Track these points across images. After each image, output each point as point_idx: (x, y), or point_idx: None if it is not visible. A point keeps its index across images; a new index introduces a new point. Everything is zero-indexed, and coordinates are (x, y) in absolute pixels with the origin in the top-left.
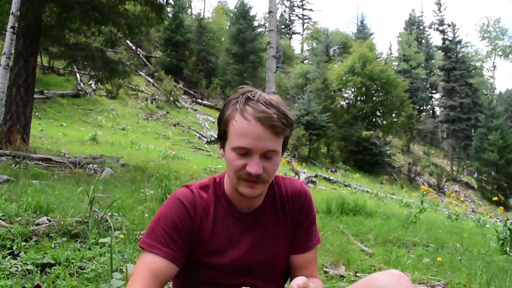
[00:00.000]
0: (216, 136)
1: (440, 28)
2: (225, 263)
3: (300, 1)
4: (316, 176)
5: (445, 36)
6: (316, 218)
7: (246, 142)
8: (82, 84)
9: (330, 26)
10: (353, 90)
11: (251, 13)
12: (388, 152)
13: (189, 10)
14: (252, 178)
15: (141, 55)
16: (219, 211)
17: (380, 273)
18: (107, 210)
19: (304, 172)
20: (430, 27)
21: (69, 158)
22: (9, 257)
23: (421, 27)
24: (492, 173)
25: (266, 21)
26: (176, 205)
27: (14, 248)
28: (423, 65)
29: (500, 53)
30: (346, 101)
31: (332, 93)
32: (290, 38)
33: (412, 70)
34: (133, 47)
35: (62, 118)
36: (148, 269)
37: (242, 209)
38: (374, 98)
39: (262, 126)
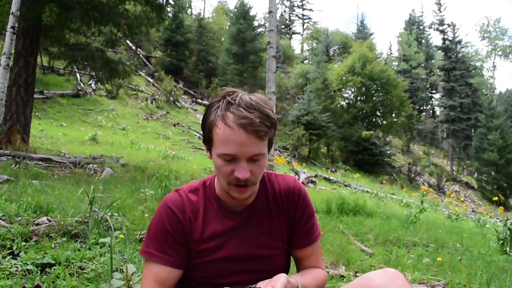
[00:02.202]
0: None
1: (440, 28)
2: (219, 260)
3: (300, 1)
4: (316, 176)
5: (445, 36)
6: (314, 212)
7: (231, 149)
8: (82, 84)
9: (330, 26)
10: (353, 90)
11: (251, 13)
12: (388, 152)
13: (189, 10)
14: (241, 183)
15: (141, 55)
16: (210, 213)
17: (375, 272)
18: (107, 210)
19: (304, 172)
20: (430, 27)
21: (69, 158)
22: (9, 257)
23: (421, 27)
24: (492, 173)
25: (266, 21)
26: (166, 212)
27: (14, 248)
28: (423, 65)
29: (500, 53)
30: (346, 101)
31: (332, 93)
32: (290, 38)
33: (412, 70)
34: (133, 47)
35: (62, 118)
36: (153, 280)
37: (234, 208)
38: (374, 98)
39: (246, 132)
